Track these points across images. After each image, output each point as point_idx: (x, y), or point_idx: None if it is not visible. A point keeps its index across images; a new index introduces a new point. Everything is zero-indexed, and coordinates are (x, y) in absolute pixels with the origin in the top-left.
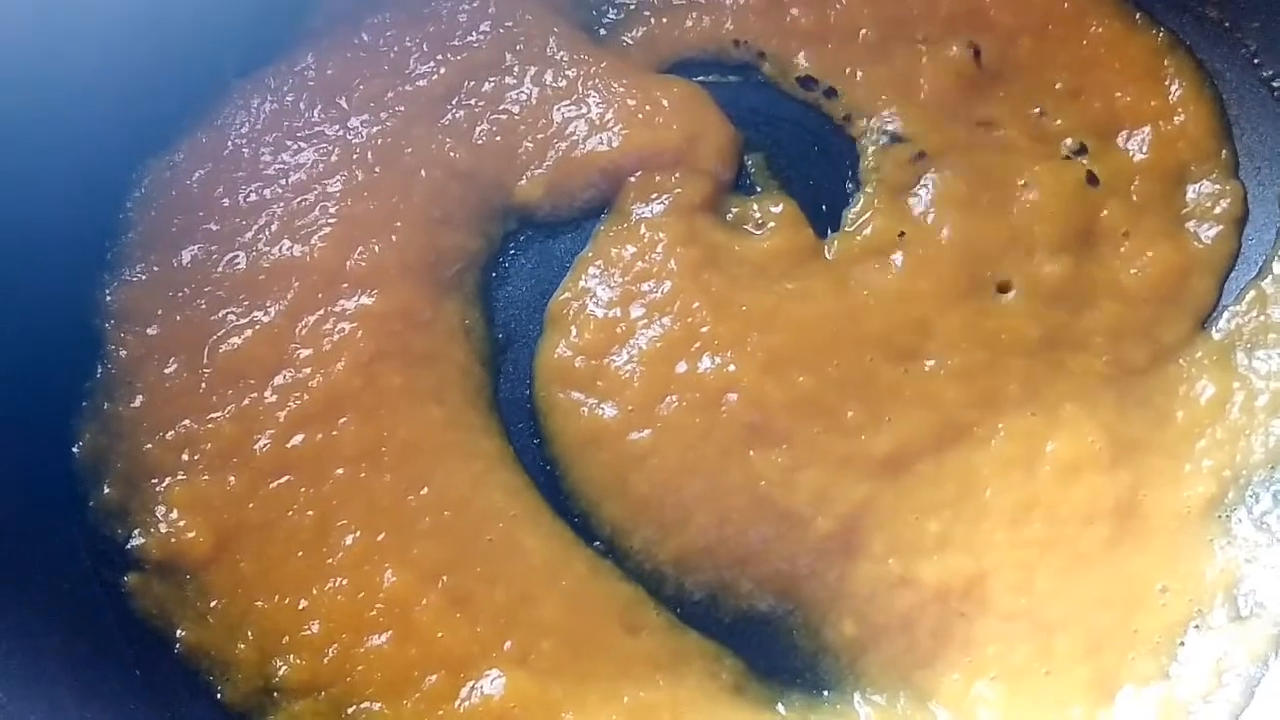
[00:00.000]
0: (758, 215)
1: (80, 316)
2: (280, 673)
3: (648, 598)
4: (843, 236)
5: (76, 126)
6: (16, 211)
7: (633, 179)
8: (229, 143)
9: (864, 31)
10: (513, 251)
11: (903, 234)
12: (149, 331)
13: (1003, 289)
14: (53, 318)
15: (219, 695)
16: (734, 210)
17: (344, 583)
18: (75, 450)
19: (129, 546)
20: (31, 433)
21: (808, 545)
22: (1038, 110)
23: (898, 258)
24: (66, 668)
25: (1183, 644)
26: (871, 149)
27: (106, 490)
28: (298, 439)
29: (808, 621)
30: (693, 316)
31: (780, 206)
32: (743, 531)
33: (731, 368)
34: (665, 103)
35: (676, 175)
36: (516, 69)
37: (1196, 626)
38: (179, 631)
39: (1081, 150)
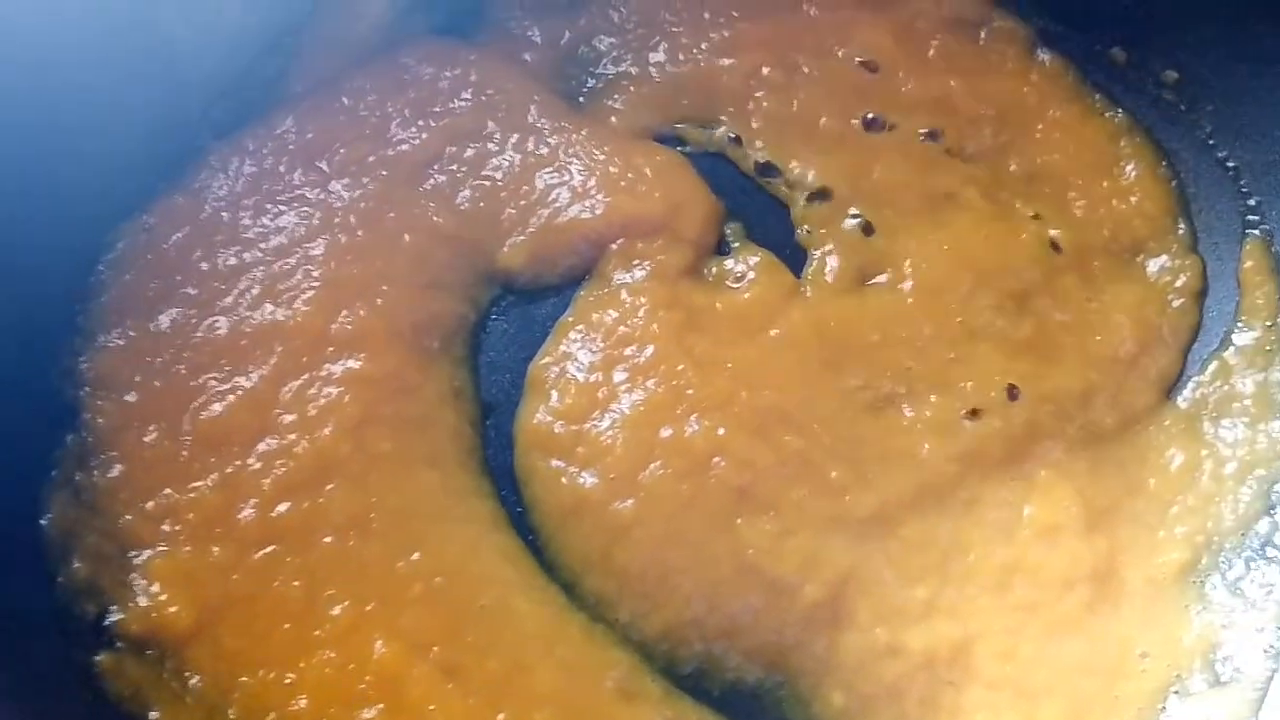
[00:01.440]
0: (737, 269)
1: (48, 383)
2: None
3: (642, 664)
4: (815, 282)
5: (45, 188)
6: None
7: (614, 246)
8: (206, 206)
9: (824, 119)
10: (495, 316)
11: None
12: (127, 399)
13: (970, 338)
14: (19, 385)
15: None
16: (713, 269)
17: (332, 655)
18: (43, 523)
19: (107, 622)
20: None
21: (795, 615)
22: (999, 187)
23: (873, 301)
24: None
25: (1164, 709)
26: (819, 223)
27: (76, 565)
28: (284, 507)
29: (796, 693)
30: (677, 379)
31: (757, 257)
32: (730, 603)
33: (720, 430)
34: (647, 171)
35: (659, 243)
36: (498, 136)
37: (1177, 692)
38: (153, 714)
39: (1040, 222)
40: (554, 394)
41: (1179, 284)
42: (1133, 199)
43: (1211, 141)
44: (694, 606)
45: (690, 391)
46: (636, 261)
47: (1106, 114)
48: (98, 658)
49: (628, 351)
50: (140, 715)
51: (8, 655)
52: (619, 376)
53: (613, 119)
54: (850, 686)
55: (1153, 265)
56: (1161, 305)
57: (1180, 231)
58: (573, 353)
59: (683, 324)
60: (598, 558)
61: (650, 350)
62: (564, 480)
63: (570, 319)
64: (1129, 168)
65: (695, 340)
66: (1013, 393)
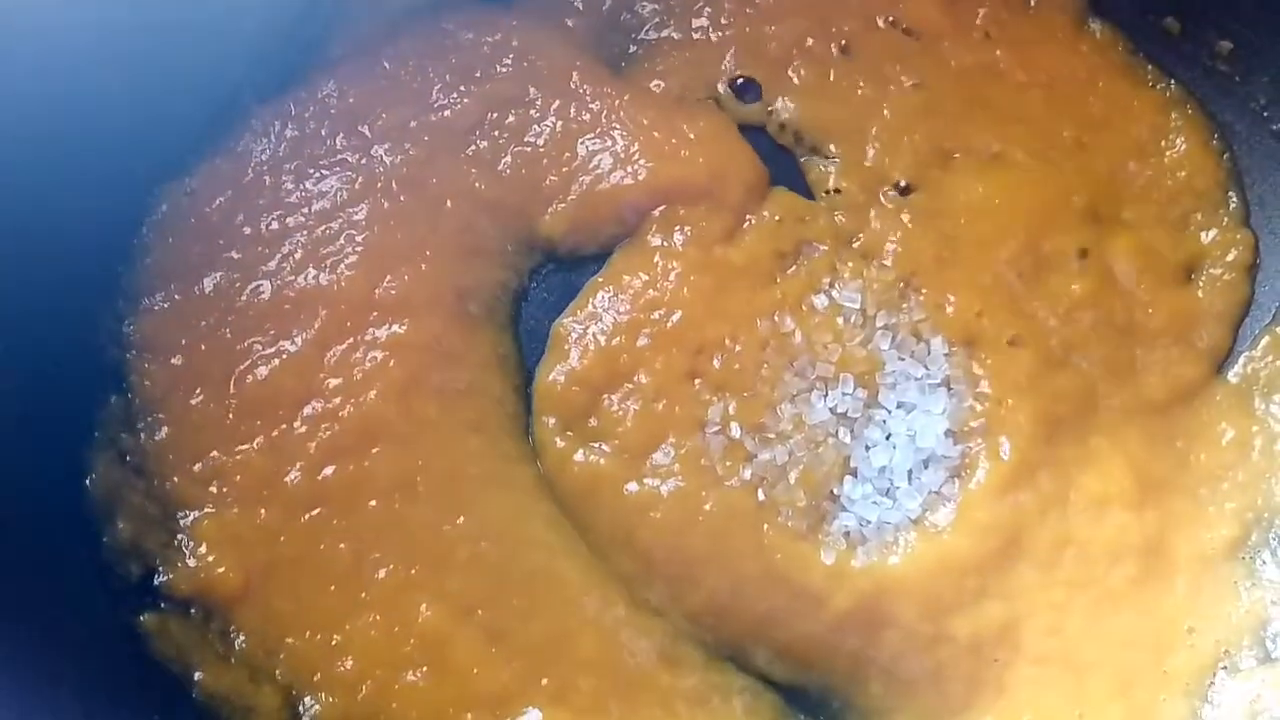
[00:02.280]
0: (767, 216)
1: (91, 344)
2: (311, 711)
3: (683, 633)
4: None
5: (89, 150)
6: (25, 236)
7: (656, 212)
8: (249, 170)
9: (863, 87)
10: (536, 285)
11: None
12: (173, 361)
13: (1019, 294)
14: (61, 344)
15: None
16: (750, 223)
17: (378, 618)
18: (88, 484)
19: (156, 582)
20: (41, 466)
21: (825, 623)
22: (1047, 150)
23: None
24: (85, 712)
25: (1213, 684)
26: (857, 184)
27: (121, 525)
28: (329, 470)
29: (831, 685)
30: (703, 350)
31: (777, 193)
32: (756, 602)
33: (742, 411)
34: (691, 136)
35: (701, 209)
36: (540, 102)
37: (1225, 668)
38: (197, 674)
39: (1090, 190)
40: (574, 353)
41: (1230, 258)
42: (1182, 173)
43: (1266, 114)
44: (720, 599)
45: (716, 362)
46: (677, 227)
47: (1158, 86)
48: (142, 618)
49: (655, 315)
50: (184, 675)
51: (55, 614)
52: (642, 341)
53: (655, 85)
54: (890, 675)
55: (1203, 238)
56: (1212, 279)
57: (1232, 205)
58: (598, 313)
59: (715, 289)
60: (621, 538)
61: (678, 315)
62: (576, 458)
63: (600, 279)
64: (1179, 141)
65: (727, 302)
66: (1066, 351)
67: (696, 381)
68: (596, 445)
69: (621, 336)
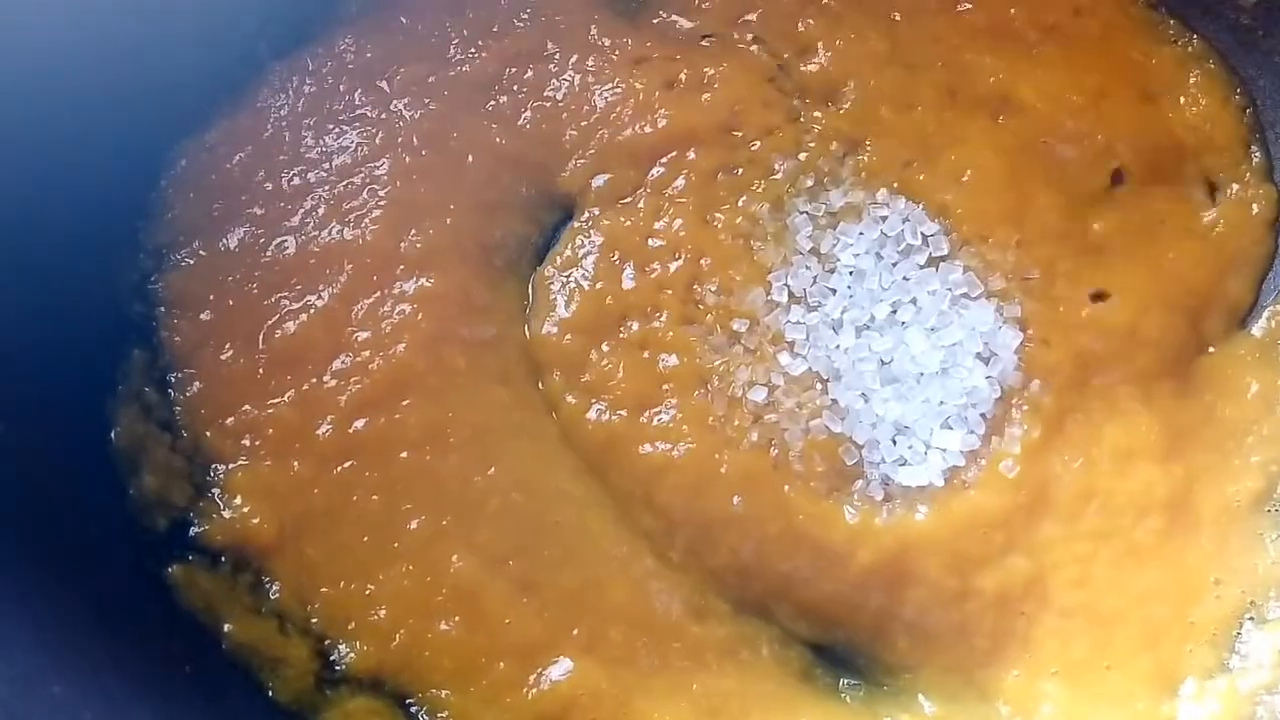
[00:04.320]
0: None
1: (111, 297)
2: (346, 659)
3: (710, 585)
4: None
5: (106, 107)
6: (44, 192)
7: (666, 157)
8: (268, 125)
9: (873, 39)
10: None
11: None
12: (202, 317)
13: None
14: (80, 298)
15: (270, 692)
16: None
17: (410, 568)
18: (112, 437)
19: (191, 533)
20: (66, 422)
21: (849, 581)
22: (1062, 97)
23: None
24: (116, 663)
25: (1239, 635)
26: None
27: (147, 478)
28: (361, 423)
29: (856, 642)
30: (698, 288)
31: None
32: (778, 562)
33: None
34: (706, 80)
35: (716, 151)
36: (559, 56)
37: (1252, 619)
38: (226, 626)
39: (1105, 142)
40: (559, 301)
41: (1253, 213)
42: (1205, 129)
43: None
44: (742, 558)
45: (716, 301)
46: (685, 171)
47: (1179, 41)
48: (170, 569)
49: (642, 254)
50: (213, 626)
51: (83, 566)
52: (628, 284)
53: (671, 33)
54: (915, 630)
55: (1226, 194)
56: (1235, 234)
57: (1255, 160)
58: (577, 258)
59: (716, 228)
60: (640, 496)
61: (670, 254)
62: (589, 416)
63: (576, 225)
64: (1200, 97)
65: (725, 244)
66: (1097, 297)
67: (692, 331)
68: (598, 403)
69: (604, 281)
